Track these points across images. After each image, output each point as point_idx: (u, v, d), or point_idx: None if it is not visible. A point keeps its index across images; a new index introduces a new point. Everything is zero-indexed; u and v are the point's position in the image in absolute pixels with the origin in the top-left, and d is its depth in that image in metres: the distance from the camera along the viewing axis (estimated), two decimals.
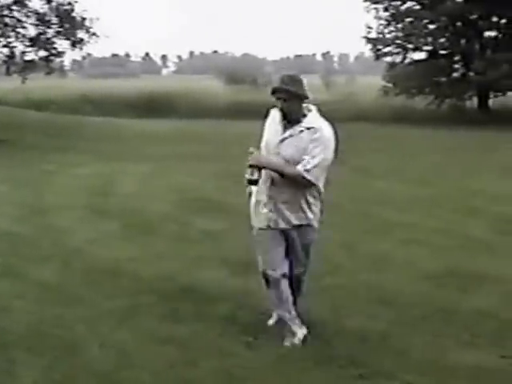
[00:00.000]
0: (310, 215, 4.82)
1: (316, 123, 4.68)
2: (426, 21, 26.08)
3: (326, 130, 4.69)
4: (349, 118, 24.08)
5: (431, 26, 26.19)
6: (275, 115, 4.82)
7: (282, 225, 4.79)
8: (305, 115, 4.73)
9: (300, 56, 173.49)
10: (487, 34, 25.98)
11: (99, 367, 4.46)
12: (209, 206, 9.47)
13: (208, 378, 4.33)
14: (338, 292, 5.90)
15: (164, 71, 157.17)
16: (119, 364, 4.52)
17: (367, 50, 27.66)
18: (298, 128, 4.67)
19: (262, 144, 4.81)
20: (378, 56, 27.39)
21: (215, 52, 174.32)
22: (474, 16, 25.29)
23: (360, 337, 4.78)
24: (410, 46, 26.44)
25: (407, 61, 27.34)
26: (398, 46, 26.72)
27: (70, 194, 10.49)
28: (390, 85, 26.59)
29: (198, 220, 8.68)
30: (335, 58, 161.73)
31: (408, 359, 4.60)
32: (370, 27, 27.04)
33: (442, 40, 26.18)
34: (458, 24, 25.86)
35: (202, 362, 4.56)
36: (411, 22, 26.20)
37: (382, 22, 26.88)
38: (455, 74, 26.68)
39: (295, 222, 4.79)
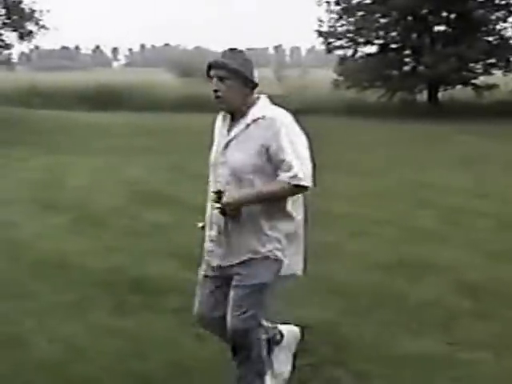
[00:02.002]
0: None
1: (267, 111, 3.50)
2: (377, 15, 26.28)
3: (283, 116, 3.52)
4: (301, 110, 24.12)
5: (382, 20, 26.41)
6: (220, 118, 3.73)
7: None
8: (249, 107, 3.55)
9: (252, 49, 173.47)
10: (437, 28, 26.34)
11: (48, 361, 4.40)
12: (159, 200, 9.41)
13: (158, 370, 4.31)
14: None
15: (115, 64, 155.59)
16: (68, 358, 4.47)
17: (319, 43, 27.81)
18: (243, 122, 3.52)
19: (210, 162, 3.72)
20: (330, 49, 27.51)
21: (167, 45, 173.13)
22: (425, 11, 25.58)
23: (310, 326, 4.80)
24: (362, 39, 26.63)
25: (359, 54, 27.54)
26: (350, 39, 26.87)
27: (18, 188, 10.33)
28: (342, 78, 26.76)
29: (148, 213, 8.62)
30: (287, 52, 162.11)
31: (358, 348, 4.64)
32: (321, 21, 27.17)
33: (393, 34, 26.48)
34: (409, 18, 26.13)
35: (152, 354, 4.54)
36: (362, 16, 26.37)
37: (334, 15, 27.03)
38: (406, 68, 26.95)
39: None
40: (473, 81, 25.72)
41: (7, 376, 4.25)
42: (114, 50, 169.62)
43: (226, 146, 3.57)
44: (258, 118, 3.50)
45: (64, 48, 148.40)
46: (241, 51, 3.57)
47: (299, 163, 3.45)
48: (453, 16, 25.81)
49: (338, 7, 26.84)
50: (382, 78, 26.05)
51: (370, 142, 16.65)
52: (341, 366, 4.38)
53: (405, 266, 6.42)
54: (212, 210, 3.64)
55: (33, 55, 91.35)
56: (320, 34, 27.18)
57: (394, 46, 26.90)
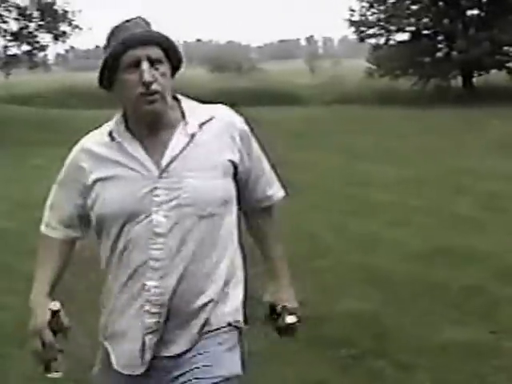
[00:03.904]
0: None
1: (210, 110, 2.29)
2: (408, 2, 26.05)
3: (231, 111, 2.35)
4: (334, 100, 24.13)
5: (413, 7, 26.16)
6: (94, 144, 2.31)
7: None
8: (171, 108, 2.24)
9: (284, 41, 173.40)
10: (469, 12, 26.01)
11: None
12: None
13: None
14: (328, 274, 5.92)
15: None
16: None
17: (351, 32, 27.67)
18: (180, 133, 2.19)
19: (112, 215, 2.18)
20: (362, 38, 27.36)
21: (199, 40, 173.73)
22: None
23: (350, 318, 4.81)
24: (393, 27, 26.42)
25: (391, 42, 27.33)
26: (381, 27, 26.69)
27: None
28: (374, 67, 26.59)
29: None
30: (319, 43, 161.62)
31: (399, 339, 4.63)
32: (352, 10, 27.00)
33: (425, 20, 26.16)
34: (441, 4, 25.85)
35: None
36: (394, 4, 26.16)
37: (365, 4, 26.85)
38: (439, 54, 26.63)
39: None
40: (507, 64, 25.34)
41: None
42: None
43: (162, 174, 2.14)
44: (206, 121, 2.23)
45: (98, 47, 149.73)
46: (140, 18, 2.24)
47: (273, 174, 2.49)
48: (485, 0, 25.47)
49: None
50: (414, 65, 25.79)
51: (405, 129, 16.51)
52: (382, 356, 4.37)
53: (445, 254, 6.38)
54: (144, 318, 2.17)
55: (69, 56, 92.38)
56: (351, 23, 27.03)
57: (426, 32, 26.58)
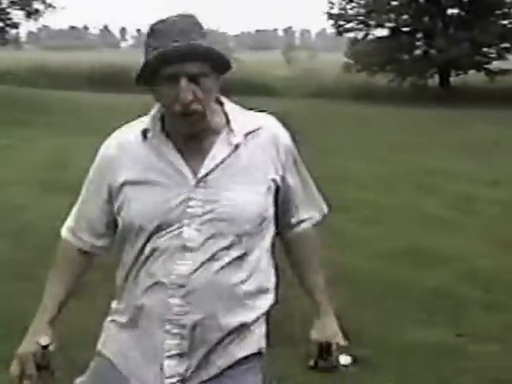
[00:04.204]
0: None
1: (257, 120, 2.07)
2: None
3: (279, 124, 2.14)
4: (310, 93, 24.07)
5: (394, 3, 26.20)
6: (125, 141, 2.07)
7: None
8: (213, 114, 2.00)
9: (261, 31, 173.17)
10: (450, 11, 26.07)
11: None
12: None
13: None
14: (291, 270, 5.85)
15: (123, 44, 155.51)
16: (75, 340, 4.42)
17: (329, 26, 27.66)
18: (222, 142, 1.98)
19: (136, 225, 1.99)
20: (340, 32, 27.34)
21: None
22: None
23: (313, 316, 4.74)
24: (373, 22, 26.43)
25: (369, 37, 27.33)
26: (360, 22, 26.69)
27: (26, 169, 10.26)
28: (352, 61, 26.59)
29: None
30: (297, 34, 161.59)
31: (365, 337, 4.57)
32: (331, 3, 26.97)
33: (405, 17, 26.20)
34: (421, 1, 25.89)
35: None
36: None
37: None
38: (417, 52, 26.74)
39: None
40: (486, 66, 25.45)
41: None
42: (122, 31, 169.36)
43: (199, 184, 1.95)
44: (252, 131, 2.02)
45: (72, 28, 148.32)
46: (193, 15, 1.97)
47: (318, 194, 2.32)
48: None
49: None
50: (392, 61, 25.84)
51: (380, 127, 16.52)
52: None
53: (412, 254, 6.35)
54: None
55: (41, 34, 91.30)
56: (330, 16, 26.99)
57: (405, 29, 26.63)
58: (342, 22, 26.86)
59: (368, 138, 14.39)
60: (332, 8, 26.96)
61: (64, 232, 2.21)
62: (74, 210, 2.23)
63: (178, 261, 1.93)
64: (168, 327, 1.96)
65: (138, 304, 2.01)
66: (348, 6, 26.82)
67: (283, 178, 2.07)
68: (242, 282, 1.98)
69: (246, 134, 2.00)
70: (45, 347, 2.04)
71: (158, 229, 1.95)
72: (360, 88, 24.66)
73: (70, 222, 2.22)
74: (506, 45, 25.34)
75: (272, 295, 2.12)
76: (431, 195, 8.95)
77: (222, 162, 1.96)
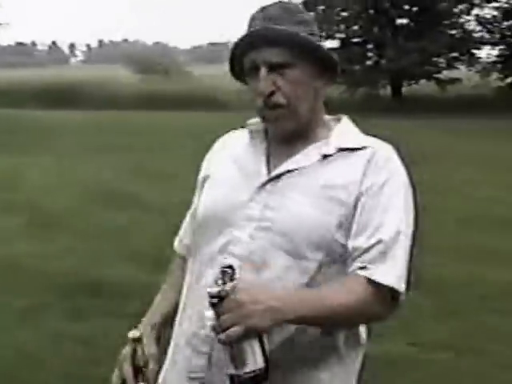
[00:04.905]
0: None
1: (366, 140, 1.81)
2: (338, 8, 26.28)
3: (396, 161, 1.78)
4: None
5: (344, 14, 26.41)
6: (233, 138, 1.96)
7: None
8: (318, 124, 1.81)
9: (214, 44, 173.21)
10: (399, 21, 26.38)
11: None
12: (117, 200, 9.18)
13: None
14: None
15: (72, 60, 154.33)
16: (20, 364, 4.35)
17: None
18: (312, 150, 1.75)
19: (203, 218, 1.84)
20: None
21: (125, 40, 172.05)
22: (387, 4, 25.63)
23: None
24: (323, 33, 26.66)
25: None
26: None
27: None
28: None
29: (105, 214, 8.40)
30: None
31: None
32: None
33: (355, 28, 26.44)
34: (371, 12, 26.14)
35: (109, 360, 4.42)
36: (323, 10, 26.32)
37: None
38: (368, 62, 26.95)
39: None
40: (436, 75, 25.76)
41: None
42: (71, 46, 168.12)
43: (265, 185, 1.74)
44: (349, 149, 1.75)
45: (19, 44, 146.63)
46: (290, 3, 1.84)
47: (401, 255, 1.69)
48: (415, 9, 25.85)
49: (299, 0, 26.89)
50: (344, 72, 26.02)
51: None
52: None
53: None
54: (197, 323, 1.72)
55: None
56: None
57: (356, 40, 26.87)
58: None
59: None
60: None
61: (175, 243, 2.04)
62: (186, 218, 2.05)
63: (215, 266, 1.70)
64: (194, 342, 1.72)
65: (180, 307, 1.86)
66: None
67: (364, 204, 1.69)
68: None
69: (341, 150, 1.75)
70: (136, 341, 1.78)
71: (213, 228, 1.77)
72: None
73: (180, 230, 2.05)
74: (455, 54, 25.75)
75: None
76: None
77: (299, 169, 1.73)
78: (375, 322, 1.73)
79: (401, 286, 1.66)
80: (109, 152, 13.80)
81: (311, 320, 1.60)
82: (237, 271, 1.54)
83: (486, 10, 26.32)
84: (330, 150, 1.74)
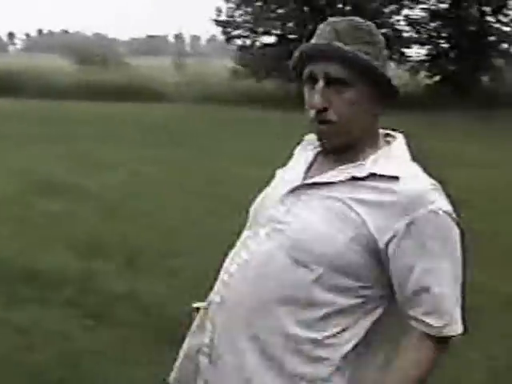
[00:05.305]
0: None
1: (404, 174, 1.71)
2: (274, 5, 26.53)
3: (440, 200, 1.70)
4: (200, 99, 24.17)
5: (280, 11, 26.68)
6: (307, 143, 1.98)
7: None
8: (367, 144, 1.81)
9: (152, 37, 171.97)
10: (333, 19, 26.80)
11: None
12: (54, 189, 9.24)
13: (49, 362, 4.29)
14: (184, 272, 5.95)
15: (11, 49, 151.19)
16: None
17: (219, 32, 27.89)
18: (348, 168, 1.77)
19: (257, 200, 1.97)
20: (229, 39, 27.64)
21: (65, 31, 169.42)
22: (321, 2, 25.99)
23: None
24: (260, 29, 26.88)
25: (257, 44, 27.75)
26: (248, 29, 27.09)
27: None
28: (240, 67, 26.89)
29: (41, 202, 8.46)
30: (187, 40, 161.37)
31: None
32: (219, 10, 27.27)
33: (291, 24, 26.76)
34: (306, 9, 26.49)
35: (43, 346, 4.50)
36: (260, 6, 26.58)
37: (232, 5, 27.14)
38: None
39: None
40: None
41: None
42: (10, 35, 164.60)
43: (294, 191, 1.82)
44: (381, 176, 1.72)
45: None
46: (366, 23, 1.84)
47: (453, 300, 1.70)
48: (348, 8, 26.31)
49: None
50: (280, 68, 26.30)
51: (268, 132, 16.75)
52: None
53: None
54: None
55: None
56: (218, 23, 27.25)
57: (291, 36, 27.20)
58: (230, 29, 27.17)
59: (257, 143, 14.59)
60: (219, 15, 27.29)
61: None
62: None
63: (236, 258, 1.83)
64: (198, 322, 1.92)
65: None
66: (235, 14, 27.17)
67: (389, 247, 1.68)
68: (277, 320, 1.75)
69: (372, 175, 1.72)
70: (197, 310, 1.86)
71: (251, 219, 1.90)
72: (249, 93, 24.95)
73: None
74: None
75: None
76: None
77: (325, 184, 1.76)
78: None
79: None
80: (48, 141, 13.74)
81: None
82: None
83: (415, 11, 27.07)
84: (361, 173, 1.73)
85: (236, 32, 27.25)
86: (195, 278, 5.81)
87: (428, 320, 1.66)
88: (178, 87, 26.21)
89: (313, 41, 1.79)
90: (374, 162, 1.73)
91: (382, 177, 1.71)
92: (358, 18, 1.82)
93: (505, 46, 27.67)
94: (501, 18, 26.98)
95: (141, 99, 23.37)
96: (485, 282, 5.57)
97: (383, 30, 26.20)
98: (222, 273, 1.85)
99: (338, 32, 1.75)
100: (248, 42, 27.66)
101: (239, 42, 27.97)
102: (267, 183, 2.01)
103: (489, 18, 27.04)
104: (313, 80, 1.75)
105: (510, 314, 5.24)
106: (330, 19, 1.83)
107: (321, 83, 1.72)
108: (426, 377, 1.68)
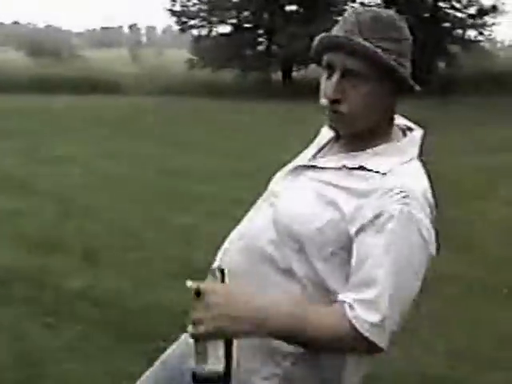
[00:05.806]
0: None
1: (392, 169, 1.73)
2: None
3: (415, 204, 1.66)
4: (158, 91, 23.99)
5: (235, 0, 26.57)
6: (323, 132, 2.01)
7: None
8: (376, 137, 1.81)
9: (107, 28, 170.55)
10: (289, 8, 26.79)
11: None
12: (5, 185, 9.07)
13: (6, 361, 4.17)
14: (143, 266, 5.87)
15: None
16: None
17: (174, 22, 27.65)
18: (348, 158, 1.79)
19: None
20: (184, 29, 27.47)
21: (16, 23, 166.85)
22: None
23: (162, 311, 4.78)
24: (215, 19, 26.73)
25: (213, 34, 27.61)
26: (203, 19, 26.93)
27: None
28: (196, 57, 26.75)
29: None
30: (143, 31, 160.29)
31: None
32: (174, 0, 27.03)
33: (246, 14, 26.70)
34: None
35: None
36: None
37: None
38: (260, 48, 27.31)
39: None
40: None
41: None
42: None
43: (293, 172, 1.91)
44: (368, 169, 1.75)
45: None
46: (390, 15, 1.78)
47: (382, 297, 1.60)
48: None
49: None
50: (236, 57, 26.24)
51: (227, 123, 16.70)
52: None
53: None
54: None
55: None
56: (173, 13, 27.04)
57: (247, 25, 27.14)
58: (185, 19, 26.98)
59: (217, 134, 14.51)
60: (174, 5, 27.06)
61: None
62: None
63: (239, 227, 1.95)
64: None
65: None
66: (190, 3, 27.00)
67: (356, 231, 1.68)
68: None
69: (360, 167, 1.75)
70: (197, 294, 1.61)
71: (265, 195, 1.97)
72: (207, 84, 24.83)
73: None
74: None
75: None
76: None
77: (321, 168, 1.82)
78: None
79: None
80: (1, 136, 13.45)
81: (283, 339, 1.64)
82: (226, 277, 1.66)
83: None
84: (351, 163, 1.77)
85: (191, 22, 27.08)
86: (154, 272, 5.76)
87: (359, 309, 1.60)
88: (134, 79, 25.99)
89: (334, 30, 1.79)
90: (371, 156, 1.77)
91: (370, 170, 1.73)
92: (384, 10, 1.80)
93: (459, 31, 27.99)
94: (454, 3, 27.28)
95: (96, 91, 23.12)
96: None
97: (339, 18, 26.33)
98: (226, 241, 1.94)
99: (360, 24, 1.73)
100: (204, 31, 27.54)
101: (195, 31, 27.84)
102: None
103: (442, 4, 27.31)
104: (330, 69, 1.78)
105: None
106: (356, 8, 1.83)
107: (337, 74, 1.75)
108: (324, 345, 1.63)
